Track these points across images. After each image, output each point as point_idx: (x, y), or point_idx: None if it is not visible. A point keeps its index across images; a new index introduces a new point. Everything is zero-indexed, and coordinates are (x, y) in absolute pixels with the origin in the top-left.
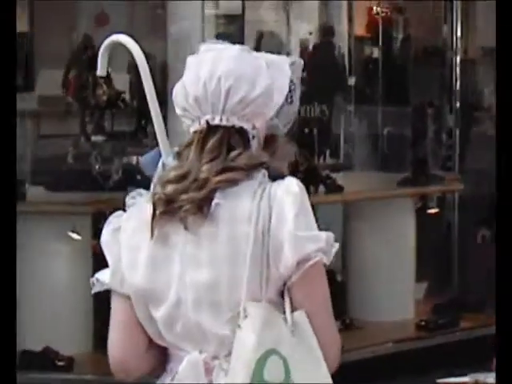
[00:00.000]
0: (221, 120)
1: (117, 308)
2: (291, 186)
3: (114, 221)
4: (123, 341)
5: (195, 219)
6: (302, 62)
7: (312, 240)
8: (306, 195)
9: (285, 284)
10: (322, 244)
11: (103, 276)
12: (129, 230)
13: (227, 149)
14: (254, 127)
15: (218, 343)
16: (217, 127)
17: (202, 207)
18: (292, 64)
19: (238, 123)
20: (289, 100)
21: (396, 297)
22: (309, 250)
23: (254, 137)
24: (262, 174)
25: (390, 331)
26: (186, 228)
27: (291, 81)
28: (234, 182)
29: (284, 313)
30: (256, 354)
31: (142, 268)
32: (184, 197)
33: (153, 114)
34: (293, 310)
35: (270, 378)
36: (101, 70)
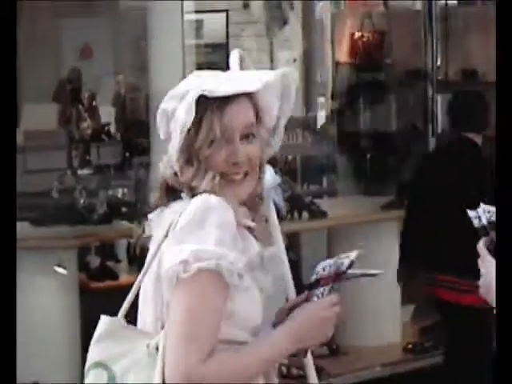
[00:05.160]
0: None
1: None
2: (192, 203)
3: None
4: None
5: None
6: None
7: (174, 253)
8: (206, 209)
9: None
10: (183, 256)
11: None
12: None
13: None
14: None
15: None
16: None
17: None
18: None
19: None
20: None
21: (382, 320)
22: (169, 264)
23: None
24: (185, 194)
25: (377, 355)
26: None
27: None
28: (162, 201)
29: None
30: (87, 364)
31: None
32: None
33: None
34: None
35: None
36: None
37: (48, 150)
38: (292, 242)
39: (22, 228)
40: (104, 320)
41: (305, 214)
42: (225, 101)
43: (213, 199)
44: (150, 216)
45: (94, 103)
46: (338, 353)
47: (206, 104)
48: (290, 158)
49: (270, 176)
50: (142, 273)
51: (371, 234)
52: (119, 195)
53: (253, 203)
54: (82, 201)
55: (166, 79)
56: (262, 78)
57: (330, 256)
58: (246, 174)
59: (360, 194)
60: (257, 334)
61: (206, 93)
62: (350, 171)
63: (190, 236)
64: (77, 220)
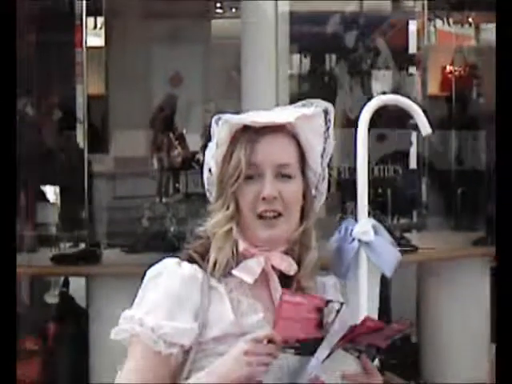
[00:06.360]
0: None
1: None
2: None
3: None
4: None
5: None
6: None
7: (122, 318)
8: (155, 275)
9: None
10: (120, 321)
11: None
12: None
13: None
14: None
15: None
16: None
17: None
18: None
19: None
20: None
21: (472, 358)
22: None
23: None
24: None
25: None
26: None
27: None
28: None
29: None
30: None
31: None
32: None
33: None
34: None
35: None
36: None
37: (137, 177)
38: (381, 277)
39: (114, 255)
40: None
41: None
42: (256, 136)
43: (167, 264)
44: None
45: (184, 131)
46: None
47: (238, 139)
48: (380, 191)
49: (363, 230)
50: None
51: (461, 270)
52: None
53: (293, 254)
54: (172, 229)
55: (258, 108)
56: (297, 111)
57: (418, 291)
58: (279, 215)
59: (449, 229)
60: None
61: (227, 118)
62: (440, 206)
63: (137, 300)
64: (167, 248)
